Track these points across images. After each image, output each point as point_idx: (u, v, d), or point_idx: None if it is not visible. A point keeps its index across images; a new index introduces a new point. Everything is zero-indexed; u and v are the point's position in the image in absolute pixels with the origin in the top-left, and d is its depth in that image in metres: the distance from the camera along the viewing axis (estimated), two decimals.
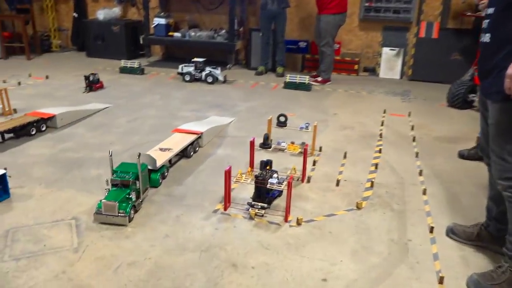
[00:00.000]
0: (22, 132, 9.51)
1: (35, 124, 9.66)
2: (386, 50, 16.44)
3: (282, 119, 9.57)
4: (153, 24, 17.57)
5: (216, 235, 6.48)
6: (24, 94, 12.94)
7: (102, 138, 9.97)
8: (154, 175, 7.93)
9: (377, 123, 11.48)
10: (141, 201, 7.24)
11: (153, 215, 6.99)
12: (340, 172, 8.46)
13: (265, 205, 7.09)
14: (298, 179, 8.31)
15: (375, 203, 7.18)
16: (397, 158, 9.03)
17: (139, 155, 6.72)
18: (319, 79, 15.14)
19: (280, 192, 7.71)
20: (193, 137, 9.05)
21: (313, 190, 7.72)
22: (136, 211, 6.82)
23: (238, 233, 6.63)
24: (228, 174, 6.85)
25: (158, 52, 19.58)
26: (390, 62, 16.36)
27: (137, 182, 6.67)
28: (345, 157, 9.17)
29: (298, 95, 13.94)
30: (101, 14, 18.15)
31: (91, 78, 13.57)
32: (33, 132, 9.60)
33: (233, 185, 7.47)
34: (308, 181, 8.01)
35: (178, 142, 8.74)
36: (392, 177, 8.17)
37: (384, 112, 12.24)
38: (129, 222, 6.25)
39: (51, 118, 10.10)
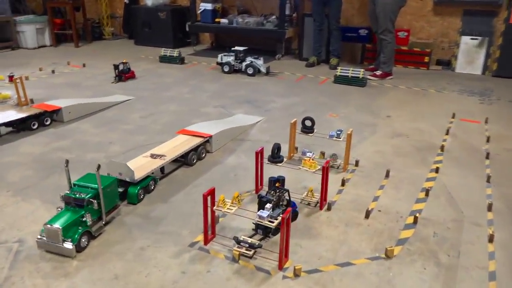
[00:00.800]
0: (22, 126, 8.76)
1: (38, 117, 8.91)
2: (466, 40, 13.52)
3: (308, 123, 7.72)
4: (200, 9, 16.32)
5: (179, 285, 4.59)
6: (51, 83, 12.36)
7: (104, 136, 8.90)
8: (132, 190, 6.54)
9: (440, 130, 9.10)
10: (105, 224, 5.95)
11: (113, 244, 5.62)
12: (375, 198, 6.47)
13: (257, 243, 5.40)
14: (316, 205, 6.49)
15: (415, 250, 5.15)
16: (460, 183, 6.77)
17: (98, 167, 5.37)
18: (378, 72, 12.83)
19: (294, 214, 5.96)
20: (198, 141, 7.53)
21: (332, 222, 5.87)
22: (93, 237, 5.44)
23: (209, 282, 5.00)
24: (207, 198, 4.87)
25: (207, 40, 18.36)
26: (470, 54, 13.50)
27: (95, 201, 5.10)
28: (387, 176, 7.12)
29: (349, 92, 11.85)
30: (149, 0, 17.27)
31: (121, 68, 12.64)
32: (35, 127, 8.76)
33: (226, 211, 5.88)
34: (329, 208, 6.17)
35: (178, 147, 7.29)
36: (448, 210, 6.00)
37: (453, 116, 9.74)
38: (78, 252, 4.92)
39: (57, 111, 9.24)
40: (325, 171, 5.91)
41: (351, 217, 5.90)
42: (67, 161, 5.39)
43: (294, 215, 6.01)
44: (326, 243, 5.30)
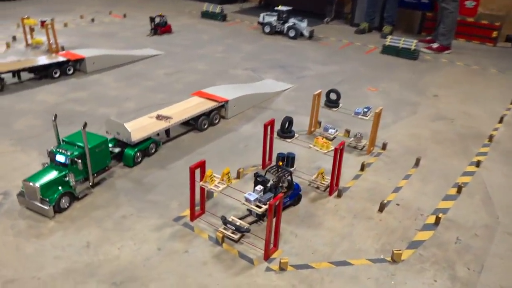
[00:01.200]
0: (44, 73, 8.62)
1: (60, 65, 8.72)
2: None
3: (332, 96, 6.83)
4: None
5: (150, 262, 4.14)
6: (87, 32, 12.14)
7: (123, 91, 8.56)
8: (129, 152, 5.97)
9: (493, 117, 7.89)
10: (92, 185, 5.69)
11: (95, 208, 5.24)
12: (397, 189, 5.66)
13: (245, 226, 4.82)
14: (325, 190, 5.75)
15: (428, 257, 4.39)
16: (503, 182, 5.76)
17: (85, 125, 4.98)
18: (435, 45, 11.46)
19: (296, 198, 5.32)
20: (212, 105, 7.00)
21: (339, 211, 5.19)
22: (77, 199, 5.03)
23: (183, 264, 4.50)
24: (195, 172, 4.34)
25: None
26: None
27: (80, 161, 4.73)
28: (416, 164, 6.25)
29: (396, 64, 10.67)
30: None
31: (157, 21, 12.18)
32: (56, 75, 8.58)
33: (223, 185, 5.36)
34: (339, 195, 5.47)
35: (189, 109, 6.79)
36: (481, 213, 5.11)
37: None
38: (57, 213, 4.65)
39: (80, 61, 8.97)
40: (337, 154, 5.17)
41: (362, 208, 5.18)
42: (55, 116, 5.06)
43: (297, 199, 5.39)
44: (326, 235, 4.67)
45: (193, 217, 4.76)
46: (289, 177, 5.00)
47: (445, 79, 9.33)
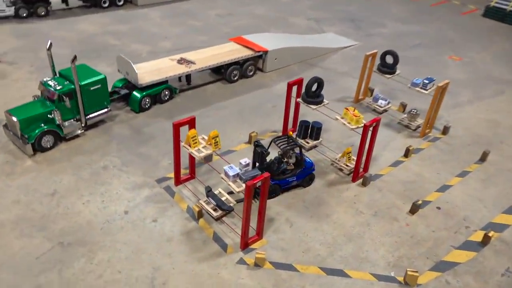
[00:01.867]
0: (94, 2, 8.24)
1: None
2: None
3: (388, 60, 5.45)
4: None
5: (110, 226, 3.67)
6: None
7: (165, 28, 7.93)
8: (136, 95, 5.33)
9: None
10: (85, 127, 5.15)
11: (79, 153, 4.70)
12: (443, 188, 4.46)
13: (231, 203, 3.98)
14: (350, 174, 4.66)
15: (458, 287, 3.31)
16: None
17: (74, 58, 4.39)
18: None
19: (307, 178, 4.32)
20: (247, 54, 6.13)
21: (358, 204, 4.16)
22: (65, 139, 4.65)
23: (143, 236, 3.87)
24: (179, 130, 3.63)
25: None
26: None
27: (68, 98, 4.30)
28: (482, 159, 4.91)
29: (497, 31, 8.69)
30: None
31: None
32: (105, 5, 8.18)
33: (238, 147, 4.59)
34: (364, 183, 4.41)
35: (219, 56, 5.99)
36: None
37: None
38: (39, 152, 4.32)
39: None
40: (367, 132, 4.07)
41: (389, 205, 4.12)
42: (50, 44, 4.56)
43: (308, 179, 4.43)
44: (329, 231, 3.74)
45: (177, 181, 4.09)
46: (297, 152, 4.07)
47: None
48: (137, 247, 3.45)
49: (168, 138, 4.78)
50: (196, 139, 3.66)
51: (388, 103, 5.63)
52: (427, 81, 5.16)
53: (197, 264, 3.34)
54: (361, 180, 4.40)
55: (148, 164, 4.34)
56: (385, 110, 5.66)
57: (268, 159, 4.10)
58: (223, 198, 3.84)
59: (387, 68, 5.46)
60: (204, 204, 3.81)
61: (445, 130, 5.36)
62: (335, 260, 3.45)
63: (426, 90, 5.18)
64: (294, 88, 4.70)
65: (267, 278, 3.26)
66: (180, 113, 5.27)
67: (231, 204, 3.78)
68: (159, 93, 5.26)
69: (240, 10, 8.82)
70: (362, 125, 4.19)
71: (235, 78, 6.05)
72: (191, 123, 3.83)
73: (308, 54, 6.83)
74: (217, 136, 3.65)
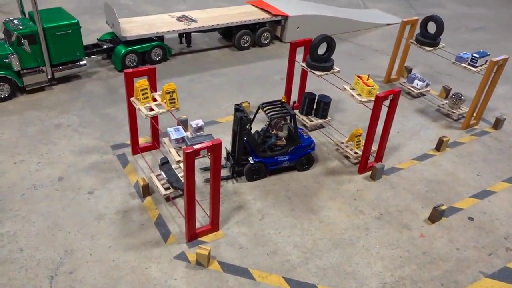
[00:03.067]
0: None
1: None
2: None
3: (431, 28, 4.25)
4: None
5: (33, 193, 2.92)
6: None
7: None
8: (118, 50, 4.51)
9: None
10: (51, 80, 4.34)
11: (35, 107, 3.98)
12: (482, 194, 3.33)
13: (182, 181, 3.11)
14: (358, 162, 3.61)
15: None
16: None
17: None
18: None
19: (303, 158, 3.47)
20: (261, 17, 5.16)
21: (359, 201, 3.17)
22: (26, 90, 3.93)
23: (72, 210, 3.02)
24: (133, 81, 2.86)
25: None
26: None
27: (27, 42, 3.60)
28: None
29: None
30: None
31: None
32: None
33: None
34: (373, 175, 3.38)
35: (228, 17, 5.05)
36: None
37: None
38: None
39: None
40: (378, 107, 3.03)
41: (401, 207, 3.09)
42: None
43: (305, 160, 3.46)
44: (311, 231, 2.81)
45: (135, 150, 3.33)
46: (290, 123, 3.17)
47: None
48: (55, 222, 2.72)
49: None
50: (147, 92, 2.86)
51: (427, 85, 4.52)
52: (477, 55, 3.98)
53: (122, 253, 2.56)
54: (369, 172, 3.39)
55: (110, 127, 3.63)
56: (422, 94, 4.56)
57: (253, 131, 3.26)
58: (180, 174, 3.03)
59: (429, 39, 4.34)
60: (155, 178, 3.02)
61: (497, 124, 4.17)
62: (309, 270, 2.53)
63: (476, 67, 4.01)
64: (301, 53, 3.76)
65: (207, 283, 2.41)
66: (169, 76, 4.53)
67: (181, 182, 2.94)
68: (148, 51, 4.54)
69: None
70: (373, 99, 3.18)
71: (246, 45, 5.19)
72: (150, 74, 3.04)
73: (340, 27, 5.80)
74: (173, 92, 2.82)
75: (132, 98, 2.94)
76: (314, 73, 3.61)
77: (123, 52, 4.35)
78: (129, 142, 3.45)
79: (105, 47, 4.47)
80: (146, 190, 2.97)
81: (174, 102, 2.85)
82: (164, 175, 2.96)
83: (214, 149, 2.38)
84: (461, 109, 4.30)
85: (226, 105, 4.27)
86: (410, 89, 4.60)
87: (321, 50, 3.62)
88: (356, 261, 2.64)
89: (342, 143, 3.64)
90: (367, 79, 3.29)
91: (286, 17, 5.27)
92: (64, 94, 4.03)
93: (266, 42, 5.31)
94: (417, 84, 4.49)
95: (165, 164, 3.07)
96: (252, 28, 5.16)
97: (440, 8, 7.26)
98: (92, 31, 5.30)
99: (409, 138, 3.83)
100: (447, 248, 2.82)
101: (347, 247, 2.74)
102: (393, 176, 3.46)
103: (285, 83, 4.64)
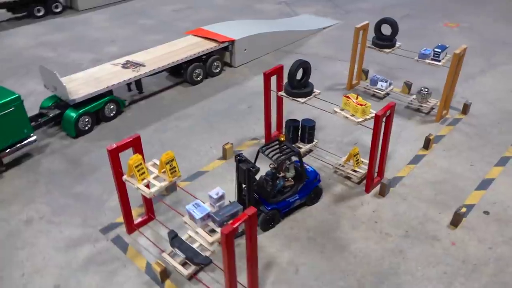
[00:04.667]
0: (24, 11, 7.02)
1: (44, 1, 7.00)
2: None
3: (385, 30, 4.32)
4: None
5: None
6: None
7: (111, 31, 6.69)
8: (69, 115, 3.94)
9: None
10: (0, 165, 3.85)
11: None
12: (485, 184, 3.43)
13: (205, 255, 2.83)
14: (360, 182, 3.59)
15: None
16: None
17: None
18: None
19: (312, 193, 3.27)
20: (209, 47, 4.90)
21: (380, 222, 3.14)
22: None
23: None
24: (118, 156, 2.52)
25: None
26: None
27: None
28: None
29: None
30: None
31: None
32: (40, 13, 6.85)
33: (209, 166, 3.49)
34: (382, 192, 3.35)
35: (175, 53, 4.79)
36: None
37: None
38: None
39: None
40: (379, 124, 2.99)
41: (421, 219, 3.06)
42: None
43: (313, 195, 3.34)
44: (351, 270, 2.65)
45: (130, 228, 2.94)
46: (296, 161, 3.00)
47: None
48: None
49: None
50: (142, 168, 2.52)
51: (390, 84, 4.60)
52: (439, 50, 4.12)
53: None
54: (377, 189, 3.33)
55: (89, 208, 3.19)
56: (387, 94, 4.64)
57: (257, 177, 3.03)
58: (195, 245, 2.73)
59: (385, 40, 4.41)
60: (169, 258, 2.68)
61: (466, 109, 4.35)
62: None
63: (439, 61, 4.15)
64: (274, 80, 3.61)
65: None
66: (131, 131, 4.11)
67: (208, 253, 2.64)
68: (101, 108, 4.09)
69: (199, 2, 7.71)
70: (372, 115, 3.11)
71: (199, 79, 4.91)
72: (136, 144, 2.69)
73: (283, 40, 5.73)
74: (172, 160, 2.51)
75: (124, 177, 2.57)
76: (298, 101, 3.47)
77: (75, 116, 3.87)
78: (118, 220, 3.06)
79: (52, 115, 3.94)
80: (164, 275, 2.62)
81: (175, 171, 2.53)
82: (180, 252, 2.63)
83: (250, 219, 2.13)
84: (430, 102, 4.43)
85: (205, 150, 3.94)
86: (376, 92, 4.64)
87: (298, 75, 3.51)
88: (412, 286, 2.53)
89: (340, 164, 3.54)
90: (357, 98, 3.21)
91: (232, 42, 5.07)
92: (20, 180, 3.48)
93: (217, 71, 5.06)
94: (382, 86, 4.55)
95: (175, 238, 2.73)
96: (202, 59, 4.90)
97: (363, 2, 7.55)
98: (24, 97, 4.70)
99: (395, 143, 3.84)
100: (481, 250, 2.82)
101: (392, 278, 2.63)
102: (399, 187, 3.42)
103: (253, 111, 4.45)
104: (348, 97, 3.24)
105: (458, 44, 4.94)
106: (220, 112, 4.41)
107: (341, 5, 7.44)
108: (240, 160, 2.86)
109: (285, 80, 3.57)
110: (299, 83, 3.47)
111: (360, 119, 3.15)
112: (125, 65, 4.46)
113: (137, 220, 3.03)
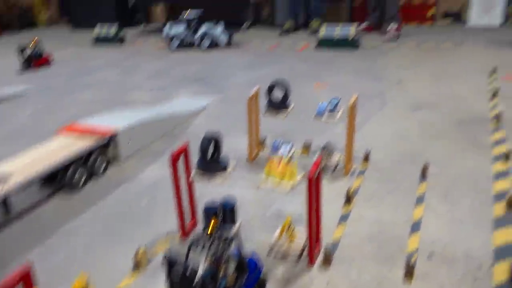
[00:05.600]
0: None
1: None
2: None
3: (276, 95, 4.44)
4: None
5: None
6: None
7: None
8: None
9: (480, 92, 6.07)
10: None
11: None
12: (416, 226, 3.39)
13: None
14: (300, 257, 3.28)
15: None
16: None
17: None
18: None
19: (256, 286, 2.82)
20: (89, 144, 4.32)
21: None
22: None
23: None
24: None
25: (159, 17, 15.08)
26: (487, 1, 10.70)
27: None
28: (424, 176, 4.08)
29: (337, 57, 8.74)
30: None
31: (28, 52, 9.30)
32: None
33: None
34: (327, 260, 3.06)
35: (47, 157, 4.07)
36: None
37: (494, 72, 6.71)
38: None
39: None
40: (312, 187, 2.77)
41: (376, 280, 2.80)
42: None
43: (259, 286, 2.90)
44: None
45: None
46: (233, 250, 2.53)
47: (401, 61, 7.55)
48: None
49: None
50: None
51: (292, 146, 4.53)
52: (335, 100, 4.14)
53: None
54: (321, 259, 3.00)
55: None
56: (291, 158, 4.53)
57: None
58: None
59: (277, 106, 4.35)
60: None
61: (367, 157, 4.43)
62: None
63: (335, 115, 4.17)
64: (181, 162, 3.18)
65: None
66: (5, 265, 3.17)
67: None
68: None
69: (62, 103, 7.09)
70: (303, 177, 2.85)
71: (82, 181, 4.15)
72: (26, 280, 1.97)
73: (168, 124, 5.39)
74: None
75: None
76: (212, 181, 3.06)
77: None
78: None
79: None
80: None
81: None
82: None
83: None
84: (335, 158, 4.41)
85: (112, 264, 3.14)
86: (273, 162, 4.47)
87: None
88: None
89: (274, 243, 3.13)
90: (280, 163, 2.95)
91: (115, 135, 4.51)
92: None
93: (102, 169, 4.35)
94: (285, 150, 4.44)
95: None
96: (82, 158, 4.21)
97: (235, 78, 7.92)
98: None
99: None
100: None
101: None
102: (340, 251, 3.18)
103: (155, 205, 3.88)
104: (271, 162, 2.98)
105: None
106: (118, 216, 3.76)
107: (214, 84, 7.56)
108: (170, 262, 2.29)
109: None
110: (212, 160, 3.11)
111: (289, 189, 2.87)
112: None
113: None
